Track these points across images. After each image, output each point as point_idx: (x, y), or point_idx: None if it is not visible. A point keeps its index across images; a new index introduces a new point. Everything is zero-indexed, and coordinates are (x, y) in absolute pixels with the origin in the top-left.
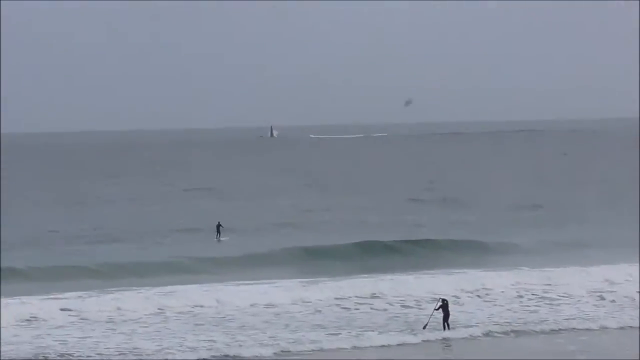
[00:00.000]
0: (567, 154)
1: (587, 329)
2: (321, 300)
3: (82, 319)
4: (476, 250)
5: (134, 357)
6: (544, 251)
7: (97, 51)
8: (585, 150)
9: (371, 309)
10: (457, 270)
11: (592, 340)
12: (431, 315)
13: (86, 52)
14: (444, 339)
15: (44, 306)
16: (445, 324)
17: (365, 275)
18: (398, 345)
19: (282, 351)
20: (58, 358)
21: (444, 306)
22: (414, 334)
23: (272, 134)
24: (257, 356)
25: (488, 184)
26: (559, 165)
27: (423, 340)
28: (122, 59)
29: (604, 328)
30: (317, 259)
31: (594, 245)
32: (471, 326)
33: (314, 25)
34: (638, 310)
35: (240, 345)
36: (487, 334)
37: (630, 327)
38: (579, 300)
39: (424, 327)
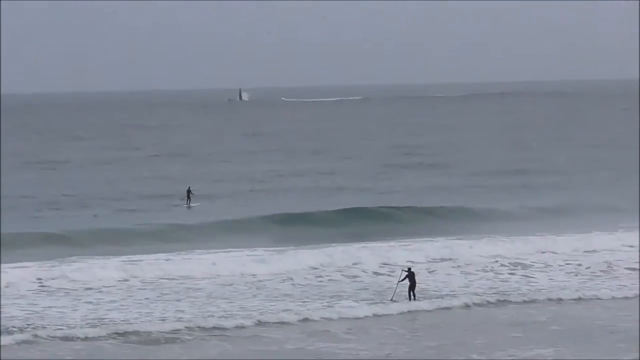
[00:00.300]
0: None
1: (559, 299)
2: (293, 269)
3: (45, 286)
4: (457, 217)
5: (103, 328)
6: (524, 218)
7: (56, 9)
8: (570, 113)
9: (346, 277)
10: (431, 239)
11: (563, 310)
12: (396, 286)
13: (44, 8)
14: (410, 311)
15: (14, 274)
16: (411, 293)
17: (340, 243)
18: (371, 316)
19: (261, 322)
20: (25, 327)
21: (410, 275)
22: (385, 305)
23: (241, 97)
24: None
25: (468, 148)
26: (541, 129)
27: (397, 313)
28: (80, 18)
29: (578, 298)
30: (291, 226)
31: (574, 212)
32: (442, 296)
33: None
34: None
35: (211, 316)
36: (458, 304)
37: (604, 298)
38: (554, 269)
39: (391, 299)
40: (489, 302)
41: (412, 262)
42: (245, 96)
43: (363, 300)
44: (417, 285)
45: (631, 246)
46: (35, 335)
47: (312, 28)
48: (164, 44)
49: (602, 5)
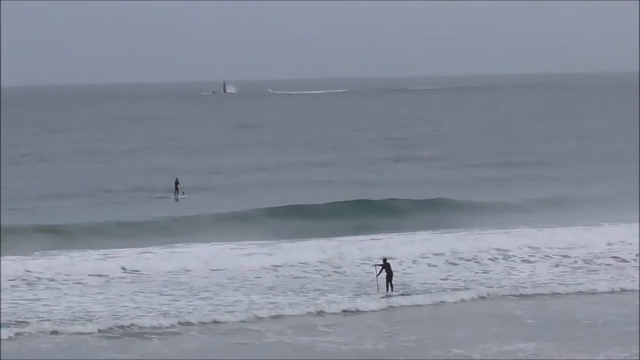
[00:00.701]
0: None
1: (537, 294)
2: (279, 262)
3: (29, 279)
4: (444, 209)
5: (87, 321)
6: (512, 210)
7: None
8: (559, 105)
9: (330, 270)
10: (418, 232)
11: (545, 303)
12: (377, 280)
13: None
14: (392, 305)
15: None
16: (389, 283)
17: (327, 237)
18: (352, 310)
19: (243, 315)
20: (10, 320)
21: (386, 266)
22: (367, 299)
23: (225, 90)
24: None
25: (455, 140)
26: (529, 121)
27: (378, 306)
28: (65, 11)
29: (561, 292)
30: (278, 219)
31: (562, 205)
32: (424, 290)
33: None
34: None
35: (194, 309)
36: (440, 298)
37: (581, 292)
38: (537, 262)
39: (378, 292)
40: (470, 296)
41: (411, 253)
42: (231, 88)
43: (345, 294)
44: (400, 278)
45: (623, 241)
46: (20, 328)
47: (300, 23)
48: (153, 38)
49: (603, 5)
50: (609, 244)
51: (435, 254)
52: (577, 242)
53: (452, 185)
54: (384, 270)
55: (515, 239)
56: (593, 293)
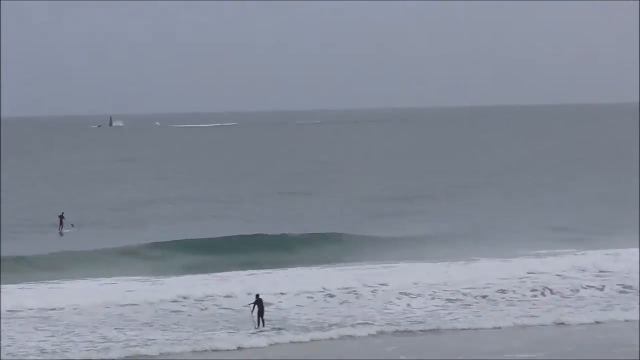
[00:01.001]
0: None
1: (410, 330)
2: (158, 298)
3: None
4: (339, 243)
5: None
6: (395, 244)
7: None
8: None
9: (210, 306)
10: (298, 266)
11: (413, 340)
12: (252, 316)
13: None
14: (275, 343)
15: None
16: (260, 319)
17: (217, 273)
18: (232, 348)
19: (119, 352)
20: None
21: (258, 302)
22: (244, 335)
23: (111, 124)
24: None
25: (354, 174)
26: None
27: (257, 343)
28: None
29: (433, 328)
30: (167, 254)
31: (439, 240)
32: (296, 326)
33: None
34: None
35: (71, 347)
36: (312, 335)
37: (455, 328)
38: (413, 297)
39: (256, 328)
40: (345, 332)
41: (293, 288)
42: (118, 122)
43: (221, 329)
44: (276, 313)
45: (499, 276)
46: None
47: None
48: (46, 71)
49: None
50: (487, 279)
51: (323, 289)
52: (455, 277)
53: (345, 220)
54: (256, 306)
55: (397, 273)
56: (467, 329)
